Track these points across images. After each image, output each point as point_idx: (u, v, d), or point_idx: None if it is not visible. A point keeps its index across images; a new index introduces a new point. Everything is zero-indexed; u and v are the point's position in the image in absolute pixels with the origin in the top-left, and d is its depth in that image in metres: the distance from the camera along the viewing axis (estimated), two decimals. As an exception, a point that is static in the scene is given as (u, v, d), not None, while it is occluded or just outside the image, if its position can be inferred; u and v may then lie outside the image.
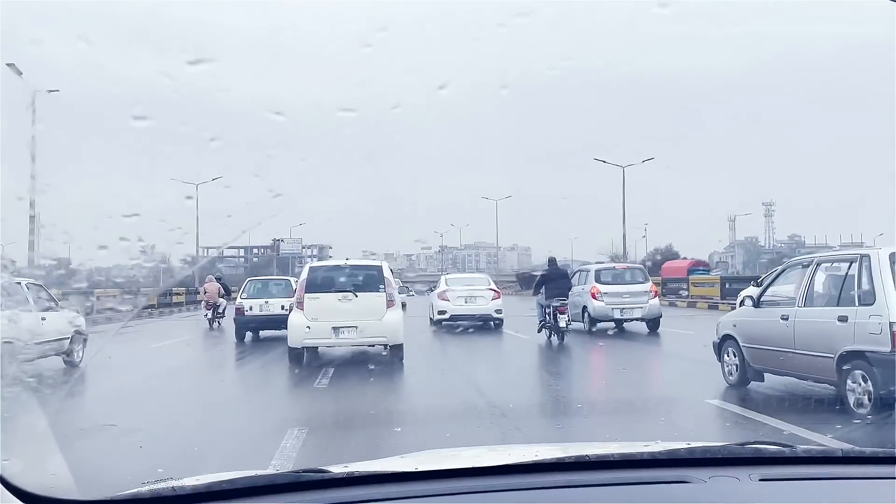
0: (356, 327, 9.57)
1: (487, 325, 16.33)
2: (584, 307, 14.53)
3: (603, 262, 26.31)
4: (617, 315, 14.42)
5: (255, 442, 5.16)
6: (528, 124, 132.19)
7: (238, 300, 14.93)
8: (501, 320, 16.34)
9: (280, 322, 13.33)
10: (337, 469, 1.43)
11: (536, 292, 13.09)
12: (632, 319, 14.53)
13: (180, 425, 6.02)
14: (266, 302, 14.49)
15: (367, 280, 10.06)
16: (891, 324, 5.19)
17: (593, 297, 14.50)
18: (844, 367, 5.60)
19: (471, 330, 15.67)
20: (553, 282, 12.58)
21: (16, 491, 1.21)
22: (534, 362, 11.15)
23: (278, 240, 63.50)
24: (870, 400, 5.37)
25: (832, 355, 5.72)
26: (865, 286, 5.51)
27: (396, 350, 9.85)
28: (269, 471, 1.48)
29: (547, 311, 12.43)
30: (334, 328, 9.57)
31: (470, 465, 1.48)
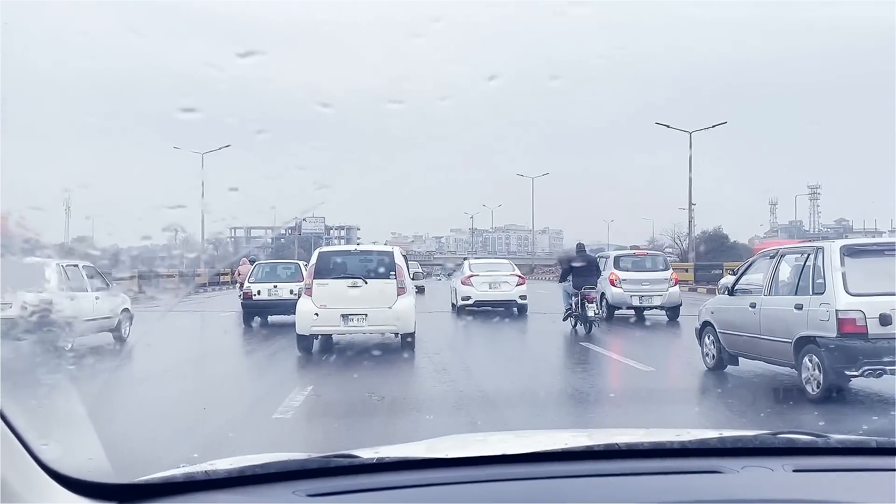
0: (366, 315, 9.50)
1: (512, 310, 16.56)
2: (603, 294, 14.30)
3: (625, 249, 26.12)
4: (636, 303, 14.46)
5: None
6: (572, 111, 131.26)
7: (246, 284, 14.99)
8: (525, 306, 16.47)
9: (289, 307, 13.26)
10: (366, 454, 1.46)
11: (563, 279, 13.10)
12: (651, 307, 14.57)
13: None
14: (275, 286, 14.47)
15: (378, 266, 9.96)
16: (837, 311, 5.75)
17: (612, 283, 14.45)
18: (799, 352, 6.17)
19: (495, 318, 15.76)
20: (581, 269, 12.46)
21: (54, 475, 1.27)
22: (559, 352, 11.13)
23: (300, 219, 62.99)
24: (819, 384, 5.94)
25: (790, 340, 6.29)
26: (818, 277, 6.07)
27: (408, 339, 9.82)
28: (301, 455, 1.54)
29: (574, 299, 12.31)
30: (343, 315, 9.50)
31: (498, 453, 1.50)
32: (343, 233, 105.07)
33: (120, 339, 11.52)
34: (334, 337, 10.43)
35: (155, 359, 9.93)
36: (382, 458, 1.45)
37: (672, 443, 1.55)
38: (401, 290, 9.70)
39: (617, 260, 15.21)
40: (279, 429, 5.54)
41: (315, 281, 9.70)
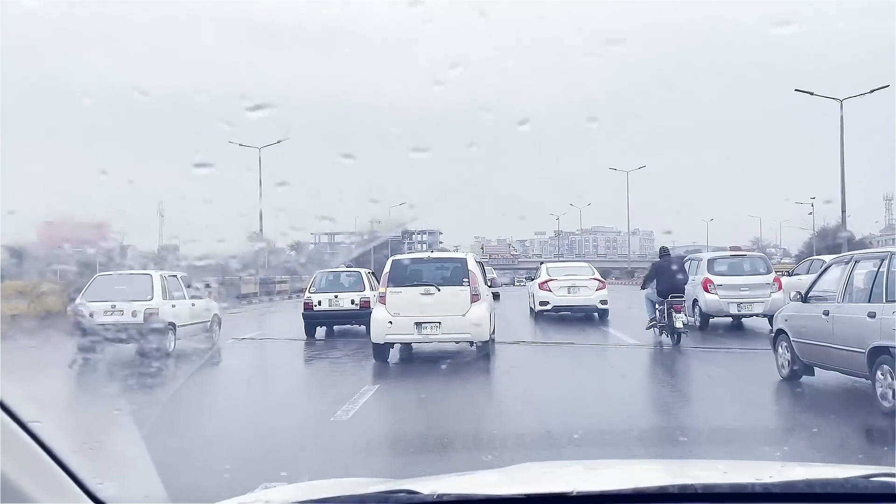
0: (439, 323, 9.60)
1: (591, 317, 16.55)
2: (695, 300, 13.55)
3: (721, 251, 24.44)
4: (733, 310, 13.45)
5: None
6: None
7: (306, 294, 14.80)
8: (606, 311, 16.36)
9: (350, 317, 14.05)
10: (426, 489, 1.44)
11: (646, 285, 12.48)
12: (751, 315, 13.50)
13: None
14: (335, 296, 14.21)
15: (451, 273, 10.11)
16: (910, 320, 5.68)
17: (705, 289, 13.43)
18: (873, 363, 6.12)
19: (573, 325, 15.61)
20: (666, 275, 11.81)
21: None
22: (640, 367, 10.39)
23: (375, 221, 62.15)
24: (894, 395, 5.88)
25: (864, 351, 6.24)
26: (892, 284, 6.00)
27: (483, 347, 9.91)
28: (362, 480, 1.58)
29: (659, 307, 11.72)
30: (417, 324, 9.64)
31: (566, 490, 1.44)
32: (425, 237, 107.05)
33: (211, 341, 13.07)
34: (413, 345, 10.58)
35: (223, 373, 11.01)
36: (442, 497, 1.41)
37: (754, 485, 1.43)
38: (474, 298, 9.76)
39: (711, 263, 14.15)
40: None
41: (388, 289, 9.90)
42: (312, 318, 14.14)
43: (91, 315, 10.93)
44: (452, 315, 9.62)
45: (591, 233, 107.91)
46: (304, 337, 13.87)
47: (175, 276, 12.87)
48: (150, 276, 12.39)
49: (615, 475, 1.67)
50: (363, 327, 13.11)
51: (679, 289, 11.62)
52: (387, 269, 10.30)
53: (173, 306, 11.88)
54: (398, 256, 11.39)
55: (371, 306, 12.46)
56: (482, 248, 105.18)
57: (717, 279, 13.55)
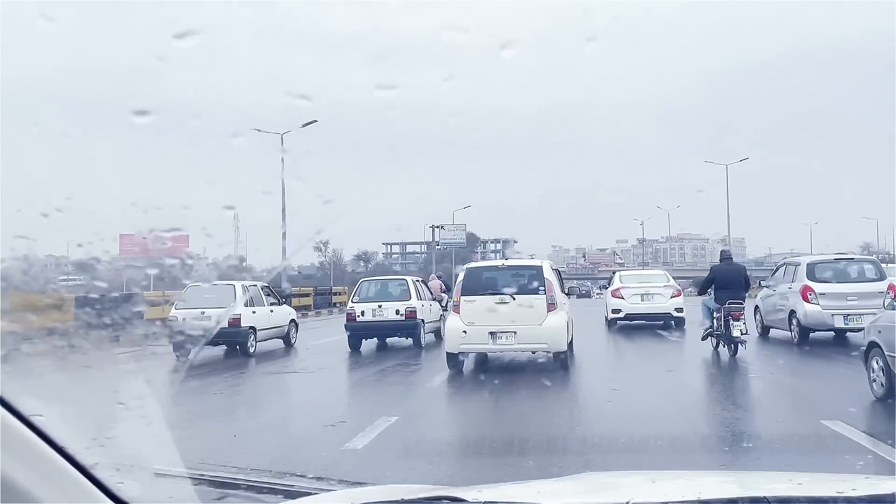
0: (514, 332, 9.69)
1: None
2: (793, 312, 12.58)
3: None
4: (839, 323, 12.15)
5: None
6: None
7: (349, 304, 14.48)
8: (683, 319, 16.32)
9: (395, 329, 13.86)
10: (471, 496, 1.42)
11: (703, 292, 12.18)
12: (859, 329, 10.96)
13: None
14: (379, 306, 13.79)
15: (527, 282, 10.17)
16: None
17: (805, 298, 12.35)
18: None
19: (647, 334, 15.53)
20: (725, 281, 11.49)
21: None
22: (714, 377, 10.31)
23: (437, 226, 58.24)
24: None
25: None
26: None
27: (560, 358, 9.92)
28: (412, 487, 1.58)
29: (717, 315, 11.37)
30: (491, 333, 9.74)
31: (618, 502, 1.40)
32: (498, 246, 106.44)
33: (288, 344, 14.77)
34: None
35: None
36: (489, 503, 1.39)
37: (835, 498, 1.33)
38: (551, 307, 9.81)
39: (812, 268, 12.83)
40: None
41: (462, 297, 10.05)
42: (356, 330, 13.78)
43: (184, 320, 12.36)
44: (528, 324, 9.70)
45: (678, 240, 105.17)
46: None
47: (255, 285, 14.48)
48: (234, 286, 13.75)
49: (680, 486, 1.61)
50: (410, 340, 13.94)
51: (738, 296, 11.25)
52: (460, 277, 10.48)
53: (254, 312, 13.56)
54: (472, 264, 11.65)
55: (418, 317, 13.73)
56: (584, 257, 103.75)
57: (819, 287, 12.41)
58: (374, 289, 14.77)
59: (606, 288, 20.17)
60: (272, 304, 14.52)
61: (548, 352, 10.07)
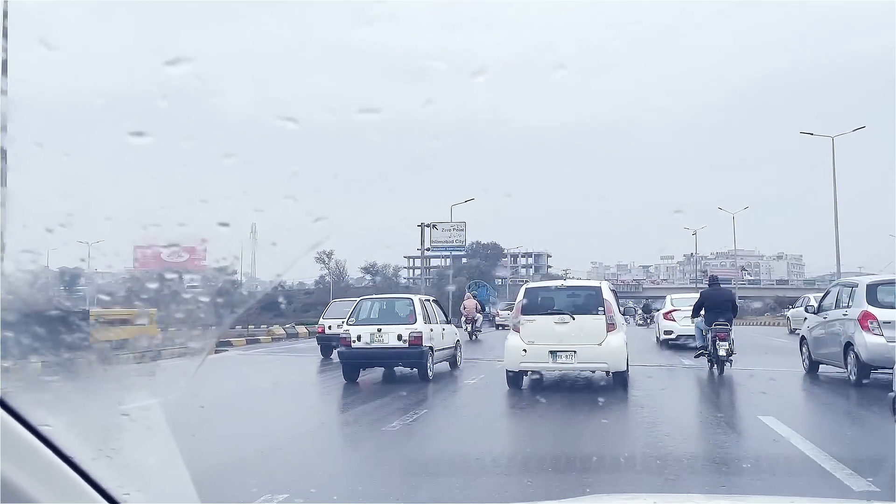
0: (575, 352, 10.47)
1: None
2: (849, 344, 10.92)
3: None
4: None
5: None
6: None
7: (344, 326, 13.05)
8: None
9: (396, 357, 12.57)
10: None
11: (696, 314, 13.72)
12: None
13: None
14: (378, 330, 12.51)
15: (586, 302, 10.93)
16: None
17: (865, 327, 10.62)
18: None
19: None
20: (713, 304, 13.15)
21: None
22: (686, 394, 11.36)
23: (428, 225, 47.87)
24: None
25: None
26: None
27: (619, 377, 10.63)
28: None
29: (707, 336, 12.95)
30: (551, 352, 10.53)
31: None
32: (531, 260, 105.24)
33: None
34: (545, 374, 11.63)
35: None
36: None
37: None
38: (610, 327, 10.57)
39: (874, 290, 10.99)
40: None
41: (523, 317, 10.89)
42: (350, 359, 12.59)
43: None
44: (588, 344, 10.48)
45: (729, 256, 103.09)
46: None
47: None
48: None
49: None
50: (415, 370, 12.56)
51: (726, 318, 12.77)
52: (520, 297, 11.34)
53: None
54: (531, 284, 12.57)
55: (423, 344, 12.39)
56: (636, 279, 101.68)
57: (883, 314, 10.59)
58: (374, 309, 13.54)
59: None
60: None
61: (608, 371, 10.79)
